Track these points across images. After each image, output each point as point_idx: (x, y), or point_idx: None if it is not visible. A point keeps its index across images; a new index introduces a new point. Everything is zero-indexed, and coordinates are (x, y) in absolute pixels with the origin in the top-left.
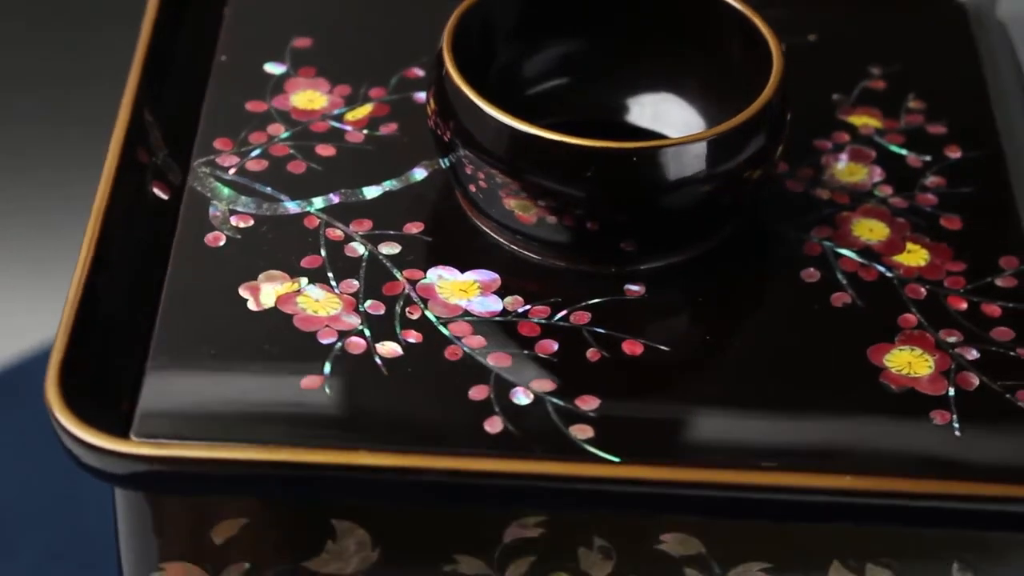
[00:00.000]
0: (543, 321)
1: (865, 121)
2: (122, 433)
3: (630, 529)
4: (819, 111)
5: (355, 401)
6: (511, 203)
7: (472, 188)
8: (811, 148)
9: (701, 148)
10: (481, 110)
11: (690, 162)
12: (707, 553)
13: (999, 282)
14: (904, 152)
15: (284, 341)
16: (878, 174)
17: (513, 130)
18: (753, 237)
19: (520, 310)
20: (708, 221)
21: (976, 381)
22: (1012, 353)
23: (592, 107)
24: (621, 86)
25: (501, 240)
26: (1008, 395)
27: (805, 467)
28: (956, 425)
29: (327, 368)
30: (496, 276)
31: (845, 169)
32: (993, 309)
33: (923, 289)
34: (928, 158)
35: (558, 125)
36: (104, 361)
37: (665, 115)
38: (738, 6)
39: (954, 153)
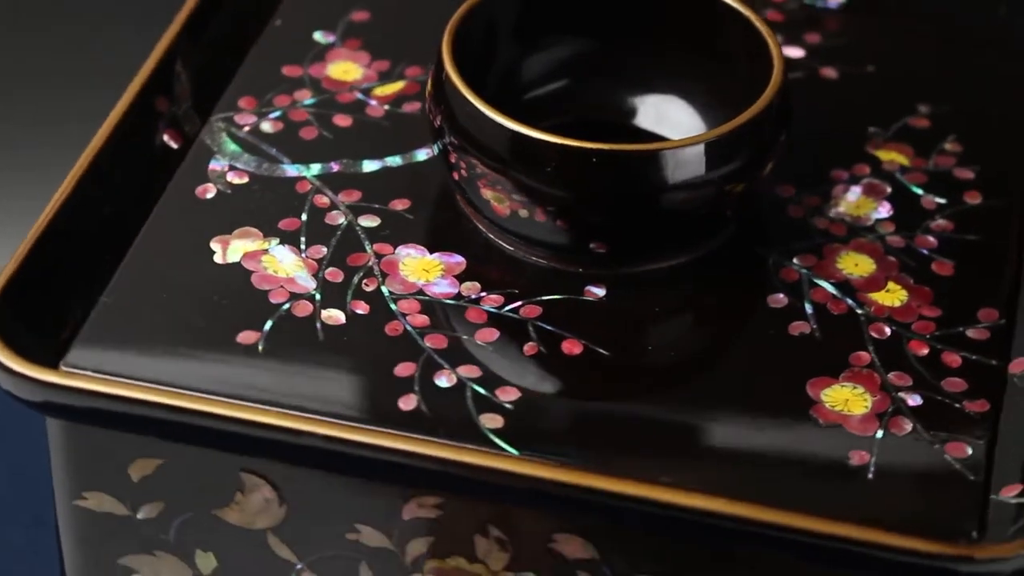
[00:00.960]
0: (493, 310)
1: (892, 157)
2: (50, 362)
3: (525, 524)
4: (849, 142)
5: (285, 362)
6: (487, 194)
7: (455, 176)
8: (826, 177)
9: (668, 156)
10: (463, 97)
11: (654, 169)
12: (601, 560)
13: (970, 333)
14: (921, 192)
15: (236, 296)
16: (885, 210)
17: (485, 119)
18: (731, 255)
19: (474, 296)
20: (682, 232)
21: (908, 427)
22: (957, 405)
23: (600, 108)
24: (629, 87)
25: (479, 227)
26: (936, 445)
27: (696, 486)
28: (872, 468)
29: (267, 326)
30: (463, 260)
31: (853, 202)
32: (954, 359)
33: (888, 329)
34: (943, 201)
35: (561, 126)
36: (58, 290)
37: (671, 118)
38: (750, 16)
39: (973, 199)
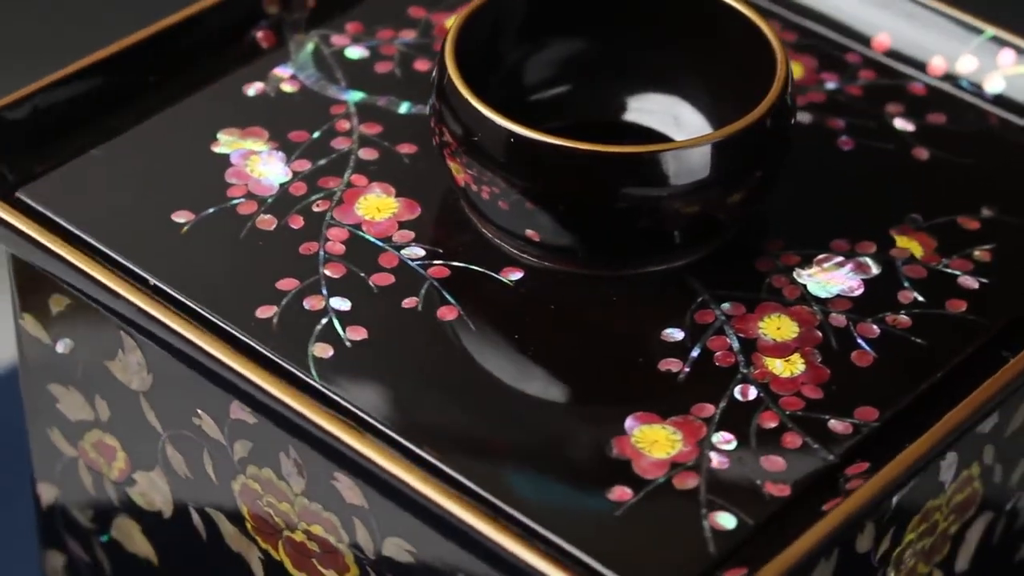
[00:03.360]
0: (406, 259)
1: (909, 245)
2: (8, 188)
3: (313, 455)
4: (878, 220)
5: (197, 247)
6: (450, 163)
7: (434, 140)
8: (824, 243)
9: (581, 154)
10: (444, 67)
11: (583, 169)
12: (369, 510)
13: (833, 423)
14: (906, 285)
15: (204, 183)
16: (854, 289)
17: (450, 88)
18: (662, 282)
19: (399, 243)
20: (615, 243)
21: (692, 484)
22: (757, 482)
23: (606, 108)
24: (634, 87)
25: (453, 188)
26: (703, 510)
27: (453, 471)
28: (624, 509)
29: (204, 213)
30: (419, 211)
31: (830, 275)
32: (794, 440)
33: (754, 394)
34: (922, 299)
35: (567, 127)
36: (62, 130)
37: (677, 118)
38: (754, 18)
39: (955, 308)
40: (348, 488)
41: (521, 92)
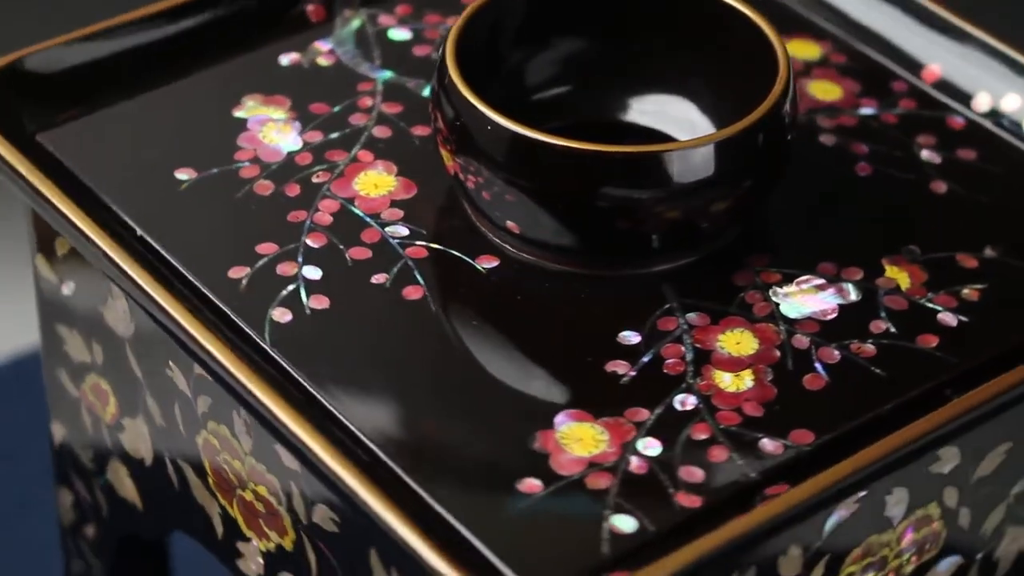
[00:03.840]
0: (388, 237)
1: (897, 276)
2: (26, 130)
3: (257, 420)
4: (874, 248)
5: (189, 203)
6: (442, 150)
7: (430, 129)
8: (812, 266)
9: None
10: (444, 63)
11: (542, 155)
12: (301, 475)
13: (765, 442)
14: (883, 315)
15: (217, 145)
16: (827, 313)
17: (443, 76)
18: (634, 284)
19: (386, 220)
20: (598, 241)
21: (604, 485)
22: (670, 490)
23: (609, 106)
24: (635, 87)
25: (447, 174)
26: (607, 511)
27: (379, 449)
28: (531, 501)
29: (207, 173)
30: (415, 191)
31: (806, 297)
32: (720, 454)
33: (693, 404)
34: (894, 331)
35: (567, 127)
36: (96, 81)
37: (680, 117)
38: (755, 18)
39: (925, 343)
40: (285, 452)
41: (522, 92)
